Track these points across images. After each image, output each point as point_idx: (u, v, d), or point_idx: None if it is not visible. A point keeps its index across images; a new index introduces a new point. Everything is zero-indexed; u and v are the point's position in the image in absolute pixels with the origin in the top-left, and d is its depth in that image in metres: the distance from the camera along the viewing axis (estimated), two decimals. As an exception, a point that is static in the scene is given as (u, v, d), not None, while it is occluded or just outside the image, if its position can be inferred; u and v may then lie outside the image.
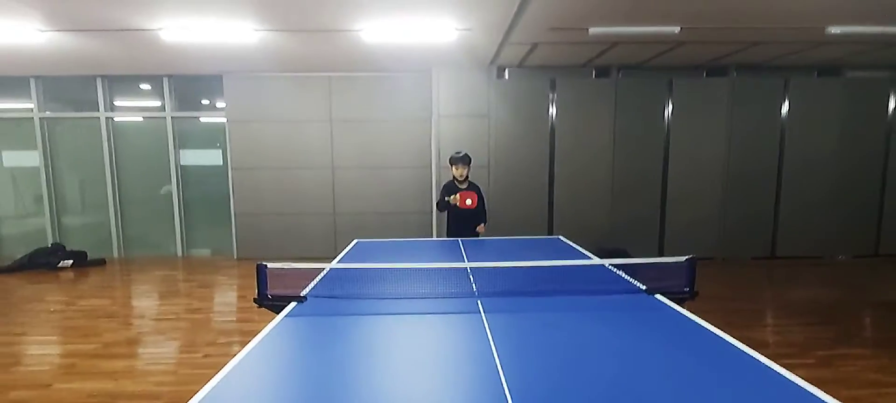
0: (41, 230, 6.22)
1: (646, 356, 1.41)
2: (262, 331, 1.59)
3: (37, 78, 5.85)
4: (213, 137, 6.16)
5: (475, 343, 1.51)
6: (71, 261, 5.82)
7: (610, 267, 2.45)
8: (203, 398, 1.15)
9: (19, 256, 5.77)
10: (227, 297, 4.75)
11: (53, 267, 5.71)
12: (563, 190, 5.70)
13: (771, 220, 5.85)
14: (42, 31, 3.84)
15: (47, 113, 6.01)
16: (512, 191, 5.63)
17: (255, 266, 1.96)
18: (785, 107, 5.65)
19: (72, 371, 3.02)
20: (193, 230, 6.38)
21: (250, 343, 1.49)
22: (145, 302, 4.55)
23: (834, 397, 1.11)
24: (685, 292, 2.00)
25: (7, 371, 3.04)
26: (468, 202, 3.65)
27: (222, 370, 1.33)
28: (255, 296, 1.96)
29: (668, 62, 5.30)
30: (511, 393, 1.18)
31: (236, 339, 3.60)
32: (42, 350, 3.42)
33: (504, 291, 2.06)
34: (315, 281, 2.24)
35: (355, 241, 3.41)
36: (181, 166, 6.18)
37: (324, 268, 2.32)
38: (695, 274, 1.99)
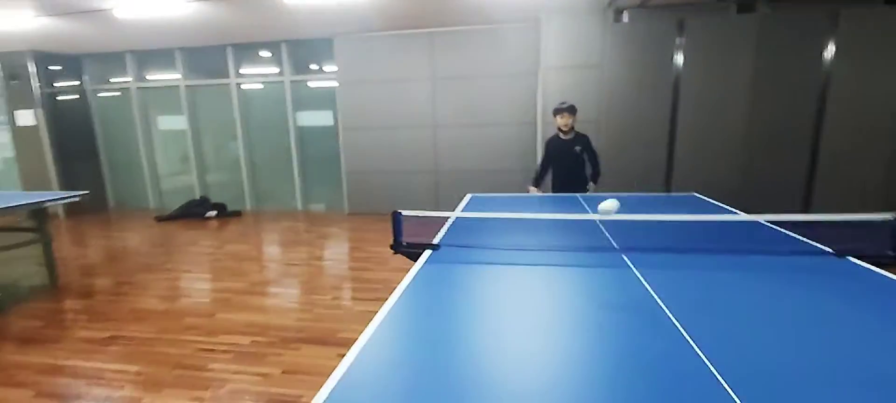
0: (190, 185, 7.22)
1: (862, 324, 1.17)
2: (407, 276, 1.62)
3: (180, 49, 6.63)
4: (324, 100, 6.54)
5: (635, 296, 1.38)
6: (215, 212, 6.71)
7: (771, 225, 2.12)
8: (371, 336, 1.18)
9: (176, 207, 6.79)
10: (343, 248, 5.12)
11: (202, 217, 6.63)
12: (685, 145, 5.12)
13: (967, 180, 4.70)
14: (188, 2, 4.27)
15: (190, 81, 6.83)
16: (624, 148, 5.19)
17: (391, 214, 2.02)
18: None
19: (228, 305, 3.49)
20: (310, 186, 6.95)
21: (398, 287, 1.52)
22: (276, 249, 5.09)
23: None
24: (888, 256, 1.64)
25: (179, 301, 3.61)
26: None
27: (382, 308, 1.37)
28: (391, 243, 2.03)
29: (834, -13, 4.37)
30: (704, 352, 1.05)
31: (356, 285, 3.88)
32: (203, 285, 4.00)
33: (651, 247, 1.87)
34: (444, 230, 2.26)
35: (469, 196, 3.40)
36: (298, 127, 6.68)
37: (450, 216, 2.32)
38: (905, 236, 1.62)
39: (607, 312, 1.30)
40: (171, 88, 6.89)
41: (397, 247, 2.02)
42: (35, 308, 3.52)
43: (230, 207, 6.92)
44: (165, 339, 2.95)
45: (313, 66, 6.53)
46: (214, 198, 7.04)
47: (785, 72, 4.78)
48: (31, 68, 6.38)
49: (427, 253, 1.93)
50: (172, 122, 7.13)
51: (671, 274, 1.58)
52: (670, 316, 1.25)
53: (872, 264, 1.64)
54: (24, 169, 6.82)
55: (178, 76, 6.78)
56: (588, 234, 2.12)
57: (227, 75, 6.62)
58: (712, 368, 0.99)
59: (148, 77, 7.01)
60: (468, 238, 2.14)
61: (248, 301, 3.57)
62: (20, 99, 6.51)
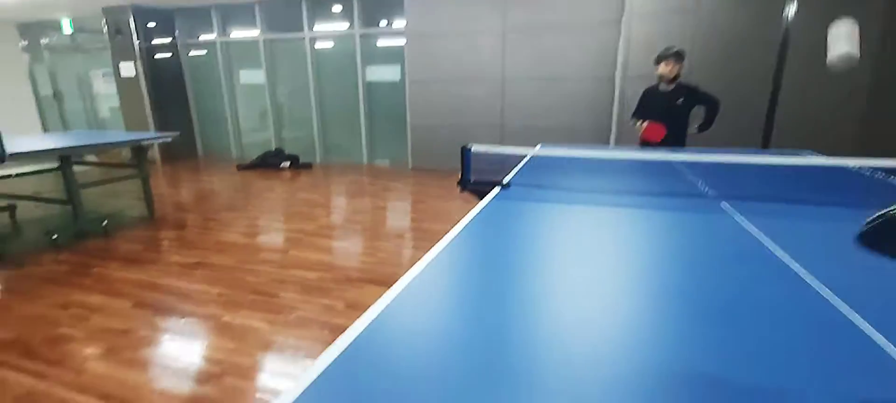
0: (267, 138, 7.63)
1: None
2: (470, 213, 1.52)
3: (259, 4, 6.87)
4: (393, 55, 6.50)
5: (743, 244, 1.18)
6: (288, 163, 7.05)
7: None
8: (425, 268, 1.09)
9: (255, 157, 7.23)
10: (404, 200, 5.16)
11: (277, 167, 7.01)
12: (792, 105, 4.45)
13: None
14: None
15: (267, 36, 7.09)
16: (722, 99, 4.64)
17: (459, 149, 1.92)
18: None
19: (299, 244, 3.65)
20: (376, 141, 7.06)
21: (459, 224, 1.42)
22: (343, 199, 5.25)
23: None
24: None
25: (256, 238, 3.84)
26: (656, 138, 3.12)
27: (438, 244, 1.28)
28: (458, 180, 1.94)
29: None
30: (847, 302, 0.86)
31: (418, 235, 3.89)
32: (277, 225, 4.23)
33: (755, 196, 1.62)
34: (516, 170, 2.13)
35: (539, 146, 3.21)
36: (367, 82, 6.74)
37: (526, 154, 2.18)
38: None
39: (709, 259, 1.12)
40: (252, 43, 7.21)
41: (465, 185, 1.93)
42: (136, 234, 3.92)
43: (302, 159, 7.24)
44: (244, 268, 3.16)
45: (383, 21, 6.48)
46: (288, 150, 7.40)
47: (934, 16, 3.95)
48: (132, 23, 6.95)
49: (496, 190, 1.82)
50: (252, 77, 7.51)
51: (784, 222, 1.34)
52: (794, 265, 1.05)
53: None
54: (127, 116, 7.58)
55: (257, 31, 7.06)
56: (678, 181, 1.88)
57: (301, 29, 6.78)
58: (858, 318, 0.80)
59: (231, 33, 7.39)
60: (543, 178, 2.00)
61: (317, 242, 3.71)
62: (123, 52, 7.16)
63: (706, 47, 4.53)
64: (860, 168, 2.06)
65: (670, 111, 3.29)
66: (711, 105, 3.34)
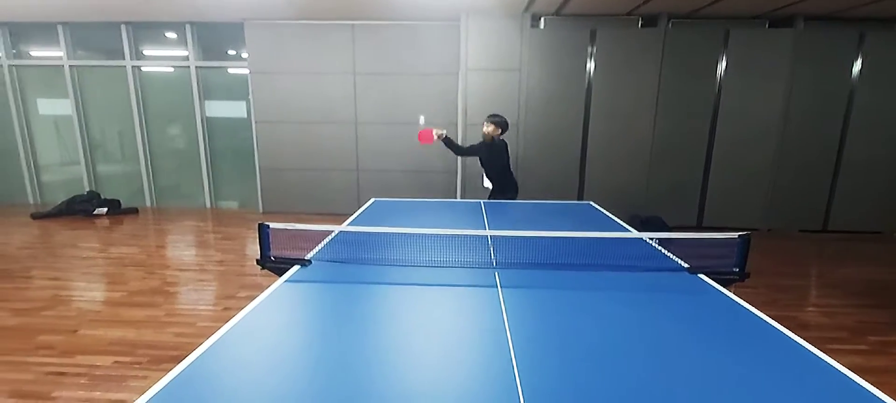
0: (79, 178, 6.41)
1: (681, 348, 1.20)
2: (257, 299, 1.47)
3: (64, 24, 5.83)
4: (237, 89, 6.06)
5: (488, 322, 1.34)
6: (105, 209, 6.01)
7: (648, 240, 2.21)
8: (189, 364, 1.04)
9: (58, 202, 6.00)
10: (251, 250, 4.77)
11: (89, 214, 5.91)
12: (597, 151, 5.34)
13: (827, 190, 5.33)
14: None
15: (76, 61, 6.04)
16: (542, 152, 5.32)
17: (257, 226, 1.84)
18: (857, 65, 4.99)
19: (96, 319, 3.09)
20: (221, 183, 6.44)
21: (242, 311, 1.37)
22: (171, 252, 4.63)
23: (891, 387, 0.99)
24: (734, 273, 1.75)
25: (36, 315, 3.14)
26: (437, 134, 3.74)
27: (209, 339, 1.22)
28: (258, 258, 1.85)
29: (725, 10, 4.73)
30: (522, 385, 1.01)
31: (257, 293, 3.60)
32: (71, 295, 3.52)
33: (525, 263, 1.86)
34: (322, 244, 2.11)
35: (372, 200, 3.27)
36: (207, 118, 6.16)
37: (333, 230, 2.18)
38: (747, 254, 1.73)
39: (446, 341, 1.24)
40: (54, 69, 6.06)
41: (264, 262, 1.85)
42: None
43: (126, 203, 6.24)
44: (7, 362, 2.54)
45: (230, 52, 6.03)
46: (109, 193, 6.31)
47: (685, 85, 5.12)
48: None
49: (295, 269, 1.78)
50: (55, 107, 6.28)
51: (530, 293, 1.57)
52: (509, 340, 1.21)
53: (720, 279, 1.74)
54: None
55: (61, 54, 5.97)
56: (470, 248, 2.07)
57: (122, 56, 5.92)
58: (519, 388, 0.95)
59: (27, 54, 6.11)
60: (346, 251, 2.01)
61: (123, 313, 3.18)
62: None
63: (530, 101, 5.19)
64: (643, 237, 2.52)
65: (485, 161, 3.80)
66: (467, 152, 4.05)
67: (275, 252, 1.86)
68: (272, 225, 1.85)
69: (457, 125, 5.48)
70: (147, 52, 6.04)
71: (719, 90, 5.13)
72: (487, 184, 4.01)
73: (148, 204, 6.48)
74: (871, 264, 4.44)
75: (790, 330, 1.29)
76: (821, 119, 5.14)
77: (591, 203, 3.28)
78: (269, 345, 1.21)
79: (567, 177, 5.42)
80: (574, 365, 1.11)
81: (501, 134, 3.78)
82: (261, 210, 6.13)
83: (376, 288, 1.61)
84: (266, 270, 1.87)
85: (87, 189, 6.36)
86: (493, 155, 3.82)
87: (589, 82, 5.18)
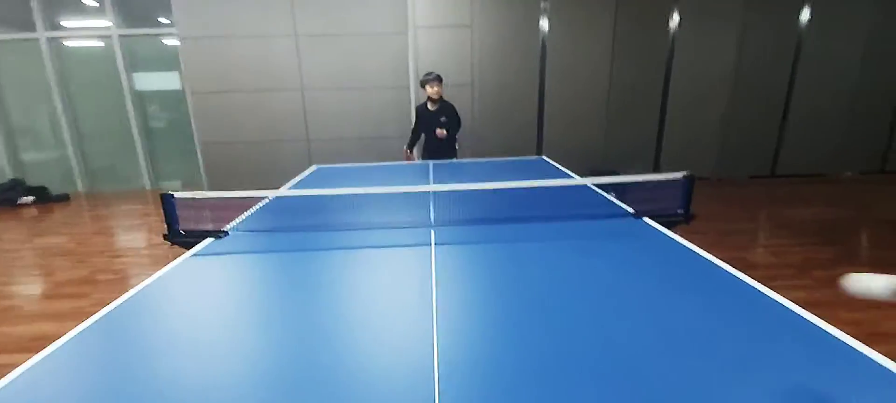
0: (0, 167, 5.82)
1: (623, 292, 1.11)
2: (150, 277, 1.28)
3: (-44, -8, 5.13)
4: (168, 59, 5.56)
5: (413, 285, 1.20)
6: (32, 198, 5.49)
7: (594, 188, 2.12)
8: (37, 362, 0.87)
9: (-24, 193, 5.43)
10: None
11: (13, 204, 5.39)
12: (554, 109, 5.24)
13: (775, 137, 5.47)
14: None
15: (-23, 34, 5.35)
16: (498, 111, 5.18)
17: (161, 197, 1.62)
18: (805, 13, 5.04)
19: (13, 315, 2.79)
20: (160, 162, 5.99)
21: (127, 293, 1.18)
22: (103, 238, 4.27)
23: (834, 320, 0.98)
24: (678, 214, 1.68)
25: (-59, 316, 2.81)
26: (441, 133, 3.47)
27: (84, 322, 1.04)
28: (165, 232, 1.64)
29: (676, -44, 4.64)
30: (439, 351, 0.88)
31: (196, 275, 3.37)
32: (-14, 292, 3.18)
33: (465, 220, 1.74)
34: (246, 214, 1.91)
35: (314, 167, 3.06)
36: (136, 91, 5.64)
37: (259, 198, 1.98)
38: (691, 194, 1.66)
39: (367, 306, 1.10)
40: (-49, 42, 5.36)
41: (174, 237, 1.64)
42: None
43: (54, 191, 5.72)
44: None
45: (151, 19, 5.48)
46: (33, 181, 5.76)
47: (638, 40, 5.05)
48: None
49: (206, 241, 1.58)
50: (-41, 86, 5.59)
51: (463, 250, 1.45)
52: (433, 301, 1.09)
53: (666, 222, 1.67)
54: None
55: (-43, 25, 5.27)
56: (408, 208, 1.93)
57: (33, 28, 5.29)
58: (435, 361, 0.83)
59: (-88, 26, 5.36)
60: (276, 219, 1.83)
61: (47, 307, 2.90)
62: None
63: (483, 59, 4.99)
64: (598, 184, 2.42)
65: (435, 126, 3.54)
66: (455, 126, 3.68)
67: (185, 226, 1.65)
68: (177, 194, 1.63)
69: (409, 88, 5.24)
70: (63, 23, 5.41)
71: (673, 43, 5.09)
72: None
73: (80, 189, 5.97)
74: (818, 205, 4.60)
75: (738, 270, 1.22)
76: (770, 68, 5.21)
77: (544, 157, 3.18)
78: (156, 328, 1.04)
79: (525, 137, 5.32)
80: (500, 325, 1.00)
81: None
82: (206, 188, 5.75)
83: (294, 256, 1.44)
84: (176, 245, 1.66)
85: (10, 177, 5.78)
86: (453, 115, 3.65)
87: (543, 39, 5.02)
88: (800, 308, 1.04)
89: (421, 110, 3.67)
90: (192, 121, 5.49)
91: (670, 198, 1.72)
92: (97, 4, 5.29)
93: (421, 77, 3.57)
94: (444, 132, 3.47)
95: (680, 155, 5.45)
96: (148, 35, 5.45)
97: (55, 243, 4.14)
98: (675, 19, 5.00)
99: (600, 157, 5.39)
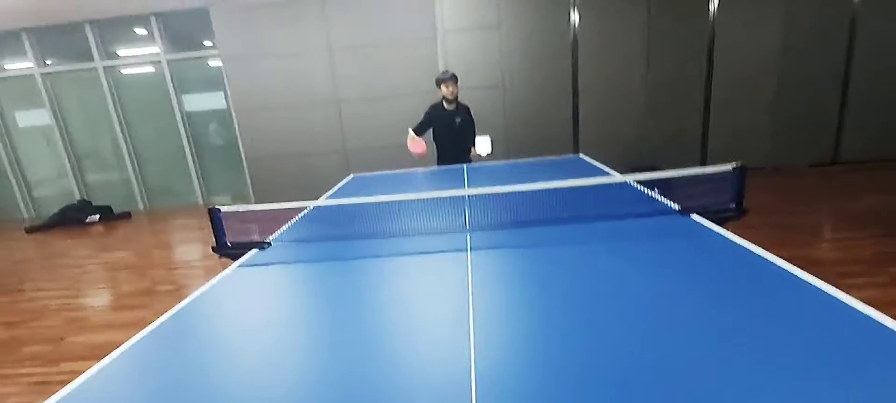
0: (69, 188, 6.33)
1: (669, 298, 1.05)
2: (199, 289, 1.34)
3: (27, 31, 5.64)
4: (213, 79, 5.87)
5: (450, 294, 1.19)
6: (98, 216, 5.94)
7: (635, 184, 2.04)
8: (102, 368, 0.93)
9: (52, 213, 5.94)
10: (242, 242, 4.68)
11: (82, 223, 5.85)
12: (589, 105, 5.11)
13: (835, 120, 5.07)
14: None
15: (46, 68, 5.87)
16: (531, 111, 5.11)
17: (209, 211, 1.70)
18: (860, -15, 4.66)
19: (84, 325, 3.02)
20: (210, 178, 6.32)
21: (176, 306, 1.25)
22: (163, 252, 4.55)
23: None
24: (730, 209, 1.58)
25: (23, 327, 3.08)
26: (417, 151, 3.26)
27: (141, 331, 1.11)
28: (213, 245, 1.72)
29: (715, -64, 4.41)
30: (476, 365, 0.87)
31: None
32: (60, 303, 3.46)
33: (499, 223, 1.71)
34: (289, 224, 1.98)
35: (352, 176, 3.12)
36: (186, 112, 6.00)
37: (299, 209, 2.04)
38: (743, 186, 1.56)
39: (401, 315, 1.10)
40: (26, 78, 5.90)
41: (221, 250, 1.72)
42: None
43: (117, 209, 6.16)
44: (-8, 378, 2.48)
45: (195, 43, 5.81)
46: (99, 200, 6.24)
47: (675, 27, 4.84)
48: None
49: (250, 253, 1.65)
50: (34, 117, 6.15)
51: (500, 254, 1.42)
52: (470, 309, 1.07)
53: (716, 218, 1.57)
54: None
55: (31, 63, 5.80)
56: (447, 213, 1.92)
57: (91, 58, 5.74)
58: (473, 381, 0.81)
59: (-5, 65, 5.95)
60: (315, 229, 1.88)
61: (112, 317, 3.12)
62: None
63: (512, 58, 4.94)
64: (627, 182, 2.34)
65: (452, 128, 3.50)
66: (471, 129, 3.60)
67: (232, 238, 1.73)
68: (224, 209, 1.70)
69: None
70: (117, 52, 5.84)
71: (713, 27, 4.84)
72: (485, 149, 3.75)
73: (140, 207, 6.40)
74: (887, 192, 4.22)
75: (800, 268, 1.13)
76: (822, 48, 4.84)
77: (581, 155, 3.10)
78: (207, 336, 1.08)
79: (561, 136, 5.21)
80: (538, 335, 0.97)
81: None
82: (253, 200, 6.01)
83: (331, 265, 1.47)
84: (225, 258, 1.73)
85: (79, 198, 6.28)
86: (469, 117, 3.60)
87: (574, 34, 4.90)
88: (875, 311, 0.94)
89: (435, 110, 3.60)
90: (238, 137, 5.76)
91: (720, 191, 1.62)
92: (146, 32, 5.67)
93: (437, 77, 3.53)
94: (421, 152, 3.33)
95: (729, 145, 5.16)
96: (193, 58, 5.78)
97: (119, 258, 4.45)
98: (714, 3, 4.75)
99: (642, 152, 5.20)
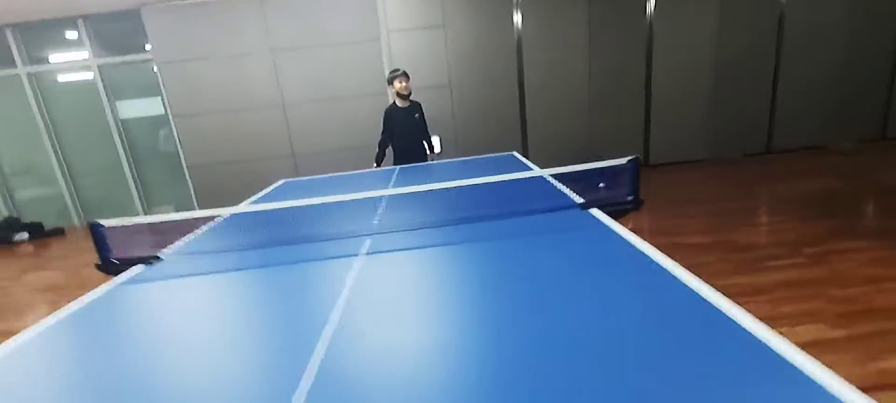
0: (-6, 205, 5.90)
1: (545, 294, 1.02)
2: (53, 315, 1.23)
3: (-64, 37, 5.22)
4: (149, 84, 5.59)
5: (318, 302, 1.14)
6: (26, 234, 5.56)
7: (553, 181, 2.04)
8: None
9: (-29, 234, 5.51)
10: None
11: (9, 243, 5.46)
12: (535, 104, 5.15)
13: (766, 113, 5.31)
14: None
15: (-38, 77, 5.44)
16: (479, 110, 5.11)
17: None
18: (786, -17, 4.89)
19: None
20: (151, 188, 6.02)
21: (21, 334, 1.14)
22: (91, 271, 4.27)
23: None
24: (627, 202, 1.59)
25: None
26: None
27: None
28: (97, 262, 1.60)
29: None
30: (315, 374, 0.81)
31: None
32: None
33: (402, 225, 1.67)
34: (192, 235, 1.87)
35: (281, 181, 3.02)
36: (121, 120, 5.69)
37: (207, 218, 1.93)
38: (638, 179, 1.57)
39: (257, 320, 1.03)
40: (-62, 86, 5.45)
41: (106, 266, 1.60)
42: None
43: (50, 225, 5.78)
44: None
45: (129, 45, 5.52)
46: (30, 217, 5.84)
47: (615, 25, 4.94)
48: None
49: (137, 269, 1.54)
50: (-51, 129, 5.69)
51: (398, 257, 1.37)
52: (334, 317, 1.02)
53: (617, 211, 1.58)
54: None
55: (-56, 70, 5.36)
56: (363, 215, 1.86)
57: (13, 64, 5.36)
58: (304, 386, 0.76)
59: None
60: (213, 241, 1.78)
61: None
62: None
63: (459, 58, 4.92)
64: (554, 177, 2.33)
65: (411, 126, 3.45)
66: (426, 126, 3.63)
67: (121, 254, 1.61)
68: (108, 222, 1.59)
69: (387, 95, 5.18)
70: (42, 56, 5.48)
71: (651, 26, 4.97)
72: (436, 148, 3.77)
73: (76, 222, 6.03)
74: (814, 177, 4.44)
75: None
76: (754, 44, 5.06)
77: (514, 153, 3.09)
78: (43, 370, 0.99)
79: (509, 134, 5.23)
80: (400, 343, 0.93)
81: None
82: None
83: (207, 279, 1.38)
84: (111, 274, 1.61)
85: (5, 215, 5.86)
86: (423, 114, 3.58)
87: (518, 34, 4.93)
88: (752, 319, 0.94)
89: (391, 112, 3.56)
90: (178, 144, 5.51)
91: (622, 184, 1.63)
92: (75, 35, 5.34)
93: (388, 75, 3.49)
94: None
95: (671, 138, 5.32)
96: (126, 63, 5.48)
97: (45, 278, 4.17)
98: (651, 3, 4.88)
99: (586, 147, 5.28)
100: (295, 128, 5.50)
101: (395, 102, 3.48)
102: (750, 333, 0.78)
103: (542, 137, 5.21)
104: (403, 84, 3.38)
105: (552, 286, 1.06)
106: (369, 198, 1.97)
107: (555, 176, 1.92)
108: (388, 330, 0.95)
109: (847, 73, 5.14)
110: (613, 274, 1.09)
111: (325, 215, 1.91)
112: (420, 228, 1.62)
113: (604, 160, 1.77)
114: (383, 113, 3.53)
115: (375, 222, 1.79)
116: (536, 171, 1.84)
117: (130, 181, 5.87)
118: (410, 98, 3.46)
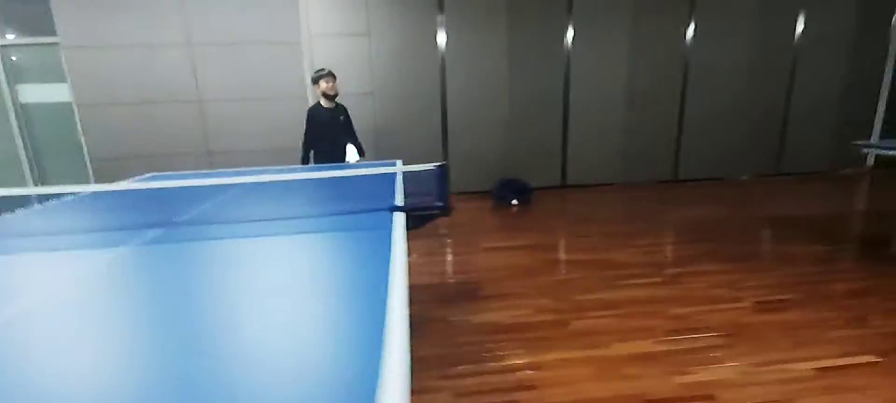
0: None
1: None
2: None
3: None
4: (58, 69, 5.28)
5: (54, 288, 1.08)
6: None
7: (399, 182, 2.05)
8: None
9: None
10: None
11: None
12: (456, 117, 5.25)
13: (674, 142, 5.64)
14: None
15: None
16: (401, 121, 5.14)
17: None
18: (690, 29, 5.26)
19: None
20: (50, 180, 5.64)
21: None
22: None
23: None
24: (437, 207, 1.62)
25: None
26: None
27: None
28: None
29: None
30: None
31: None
32: None
33: (204, 220, 1.62)
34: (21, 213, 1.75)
35: (149, 175, 2.89)
36: (23, 104, 5.33)
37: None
38: (446, 186, 1.60)
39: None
40: None
41: None
42: None
43: (-72, 212, 5.28)
44: None
45: (37, 26, 5.20)
46: None
47: (534, 50, 5.14)
48: None
49: None
50: None
51: (162, 260, 1.33)
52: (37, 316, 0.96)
53: (427, 217, 1.60)
54: None
55: None
56: (192, 206, 1.80)
57: None
58: None
59: None
60: (42, 222, 1.67)
61: None
62: None
63: (383, 67, 4.96)
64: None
65: (335, 128, 3.44)
66: (353, 130, 3.63)
67: None
68: None
69: (307, 99, 5.13)
70: (-64, 30, 5.08)
71: (568, 56, 5.20)
72: (354, 156, 3.69)
73: (-39, 210, 5.54)
74: (706, 205, 4.72)
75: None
76: (663, 79, 5.40)
77: (398, 162, 3.11)
78: None
79: (430, 146, 5.29)
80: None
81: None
82: (102, 206, 5.43)
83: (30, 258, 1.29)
84: None
85: None
86: (348, 116, 3.56)
87: (441, 47, 5.04)
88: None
89: (315, 113, 3.50)
90: (81, 135, 5.21)
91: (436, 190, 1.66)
92: (-27, 13, 5.00)
93: (313, 74, 3.46)
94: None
95: (587, 162, 5.53)
96: (31, 44, 5.17)
97: None
98: (570, 34, 5.12)
99: (506, 164, 5.41)
100: (212, 126, 5.34)
101: (319, 102, 3.45)
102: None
103: (463, 151, 5.30)
104: (329, 84, 3.36)
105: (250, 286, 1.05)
106: (154, 188, 1.92)
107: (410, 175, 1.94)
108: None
109: (745, 110, 5.56)
110: (331, 277, 1.10)
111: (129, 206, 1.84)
112: (216, 224, 1.58)
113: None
114: (307, 112, 3.48)
115: (173, 217, 1.73)
116: (350, 171, 1.85)
117: (27, 172, 5.48)
118: (336, 100, 3.44)
